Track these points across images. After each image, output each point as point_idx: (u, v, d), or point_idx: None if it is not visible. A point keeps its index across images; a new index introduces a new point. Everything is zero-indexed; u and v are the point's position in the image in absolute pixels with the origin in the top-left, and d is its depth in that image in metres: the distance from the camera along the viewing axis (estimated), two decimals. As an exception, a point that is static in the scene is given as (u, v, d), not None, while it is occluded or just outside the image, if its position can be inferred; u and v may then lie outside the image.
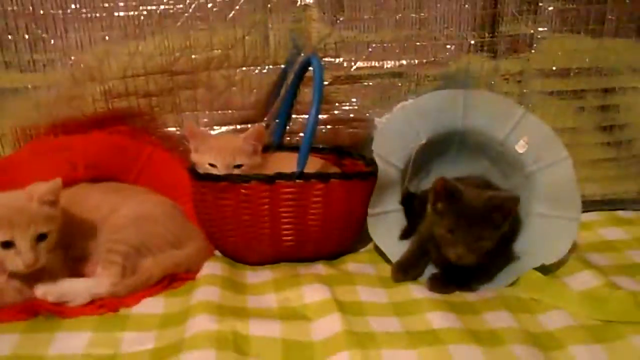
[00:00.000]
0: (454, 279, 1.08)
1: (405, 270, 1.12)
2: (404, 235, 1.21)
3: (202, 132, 1.26)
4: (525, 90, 1.39)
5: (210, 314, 0.94)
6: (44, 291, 0.96)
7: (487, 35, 1.35)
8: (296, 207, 1.14)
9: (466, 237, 1.01)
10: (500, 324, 0.97)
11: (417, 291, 1.07)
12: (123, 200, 1.14)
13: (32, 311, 0.94)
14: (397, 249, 1.18)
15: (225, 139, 1.28)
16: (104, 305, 0.97)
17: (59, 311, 0.95)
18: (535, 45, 1.37)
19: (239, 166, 1.20)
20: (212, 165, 1.20)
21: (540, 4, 1.34)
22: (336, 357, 0.85)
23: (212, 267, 1.13)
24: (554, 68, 1.39)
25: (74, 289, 0.99)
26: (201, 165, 1.21)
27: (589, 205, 1.45)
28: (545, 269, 1.11)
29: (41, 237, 0.94)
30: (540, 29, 1.36)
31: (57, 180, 0.98)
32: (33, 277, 0.96)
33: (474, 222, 1.01)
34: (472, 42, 1.35)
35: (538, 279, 1.09)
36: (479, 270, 1.09)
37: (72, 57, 1.24)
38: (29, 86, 1.25)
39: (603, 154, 1.47)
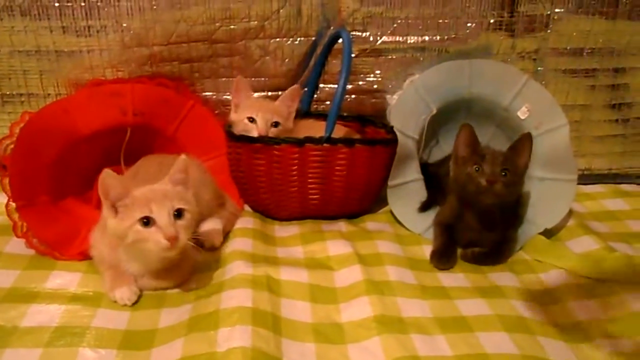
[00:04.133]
0: (482, 257, 1.15)
1: (446, 258, 1.14)
2: (424, 207, 1.29)
3: (248, 88, 1.34)
4: (539, 68, 1.47)
5: (246, 261, 1.06)
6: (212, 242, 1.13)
7: (506, 14, 1.42)
8: (322, 169, 1.23)
9: (494, 168, 1.10)
10: (504, 282, 1.07)
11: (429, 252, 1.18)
12: None
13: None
14: (414, 220, 1.27)
15: (264, 100, 1.37)
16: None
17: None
18: (551, 25, 1.43)
19: (276, 124, 1.28)
20: (250, 120, 1.27)
21: (558, -15, 1.41)
22: (357, 300, 0.98)
23: (245, 222, 1.25)
24: (568, 47, 1.46)
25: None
26: (239, 122, 1.29)
27: (594, 178, 1.56)
28: (548, 233, 1.22)
29: (178, 214, 0.92)
30: (556, 10, 1.42)
31: (182, 156, 0.97)
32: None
33: (501, 156, 1.11)
34: (492, 20, 1.42)
35: (542, 242, 1.19)
36: (502, 245, 1.17)
37: (123, 24, 1.33)
38: (84, 50, 1.34)
39: (611, 131, 1.55)
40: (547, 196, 1.25)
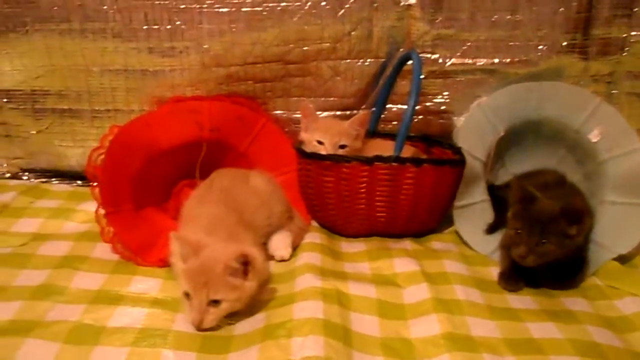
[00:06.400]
0: (547, 279, 1.13)
1: (514, 280, 1.12)
2: (490, 229, 1.29)
3: (314, 113, 1.39)
4: (613, 91, 1.44)
5: (315, 274, 1.09)
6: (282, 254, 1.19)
7: (579, 37, 1.40)
8: (390, 187, 1.26)
9: (530, 238, 1.06)
10: (576, 307, 1.06)
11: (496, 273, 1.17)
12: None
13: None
14: (481, 241, 1.27)
15: (333, 121, 1.42)
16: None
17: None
18: (627, 48, 1.41)
19: (343, 147, 1.32)
20: (319, 142, 1.32)
21: (635, 9, 1.38)
22: (425, 317, 0.99)
23: (313, 237, 1.29)
24: (644, 71, 1.43)
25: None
26: (309, 143, 1.35)
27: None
28: (622, 259, 1.19)
29: (214, 302, 0.93)
30: (633, 32, 1.40)
31: (250, 251, 0.98)
32: None
33: (540, 226, 1.05)
34: (564, 43, 1.41)
35: (616, 268, 1.17)
36: (573, 270, 1.14)
37: (204, 46, 1.42)
38: (167, 69, 1.44)
39: (688, 156, 1.49)
40: (621, 221, 1.22)
